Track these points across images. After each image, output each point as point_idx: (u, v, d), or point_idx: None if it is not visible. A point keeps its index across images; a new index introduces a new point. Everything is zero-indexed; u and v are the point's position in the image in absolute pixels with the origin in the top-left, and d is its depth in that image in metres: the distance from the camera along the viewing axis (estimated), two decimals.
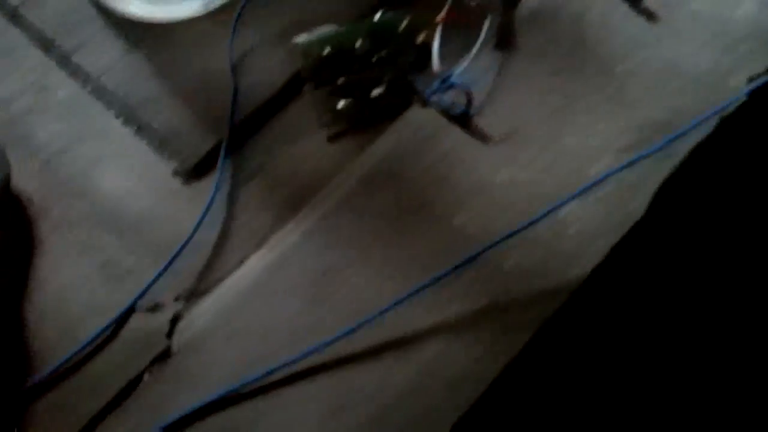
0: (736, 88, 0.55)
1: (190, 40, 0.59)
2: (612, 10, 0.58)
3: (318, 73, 0.56)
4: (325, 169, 0.55)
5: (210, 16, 0.59)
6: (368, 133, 0.56)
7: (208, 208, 0.53)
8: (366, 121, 0.56)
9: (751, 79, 0.55)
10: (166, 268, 0.52)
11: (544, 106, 0.55)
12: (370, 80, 0.56)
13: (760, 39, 0.56)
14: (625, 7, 0.58)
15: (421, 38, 0.57)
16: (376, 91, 0.56)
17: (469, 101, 0.54)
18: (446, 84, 0.54)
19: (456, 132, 0.55)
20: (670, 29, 0.57)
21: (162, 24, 0.59)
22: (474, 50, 0.55)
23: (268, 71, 0.58)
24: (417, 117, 0.56)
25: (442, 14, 0.56)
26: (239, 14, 0.58)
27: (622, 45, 0.57)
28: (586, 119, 0.54)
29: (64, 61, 0.59)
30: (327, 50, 0.56)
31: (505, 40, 0.57)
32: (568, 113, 0.55)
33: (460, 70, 0.55)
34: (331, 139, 0.56)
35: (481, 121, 0.55)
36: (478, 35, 0.56)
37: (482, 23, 0.56)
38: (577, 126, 0.54)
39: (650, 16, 0.58)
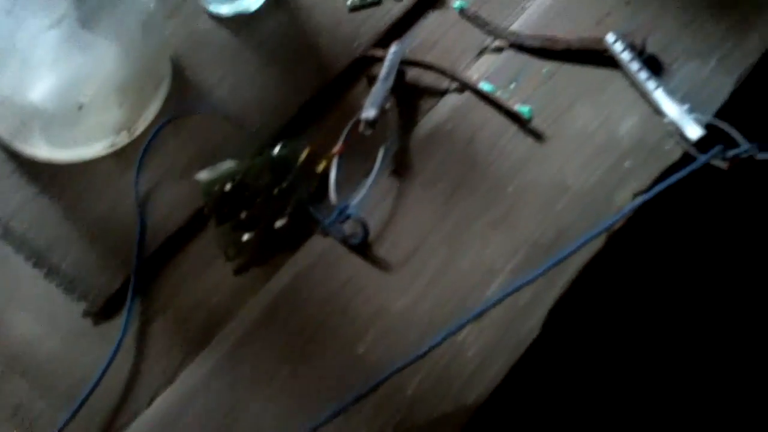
0: (622, 204, 0.57)
1: (96, 180, 0.61)
2: (502, 132, 0.61)
3: (221, 209, 0.58)
4: (232, 301, 0.57)
5: (115, 156, 0.61)
6: (272, 264, 0.58)
7: (116, 349, 0.55)
8: (270, 252, 0.58)
9: (636, 195, 0.58)
10: (75, 413, 0.53)
11: (439, 231, 0.58)
12: (272, 212, 0.58)
13: (643, 154, 0.60)
14: (514, 128, 0.61)
15: (320, 169, 0.59)
16: (278, 223, 0.58)
17: (366, 231, 0.56)
18: (344, 215, 0.56)
19: (356, 260, 0.57)
20: (557, 148, 0.60)
21: (69, 165, 0.60)
22: (370, 180, 0.57)
23: (173, 207, 0.60)
24: (318, 246, 0.58)
25: (338, 146, 0.58)
26: (143, 152, 0.60)
27: (512, 165, 0.60)
28: (480, 242, 0.57)
29: None
30: (228, 186, 0.58)
31: (401, 167, 0.60)
32: (462, 237, 0.58)
33: (357, 200, 0.57)
34: (237, 271, 0.58)
35: (380, 249, 0.57)
36: (374, 164, 0.58)
37: (377, 152, 0.58)
38: (471, 249, 0.57)
39: (538, 136, 0.61)
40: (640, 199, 0.57)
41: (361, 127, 0.58)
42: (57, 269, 0.58)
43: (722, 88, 0.62)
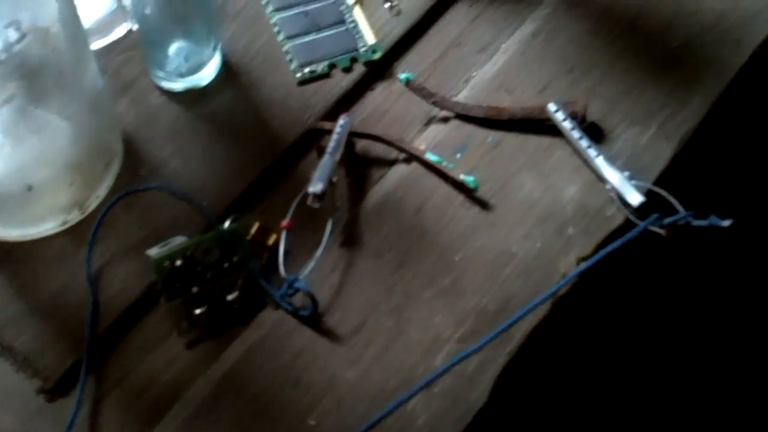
0: (567, 270, 0.60)
1: (49, 258, 0.62)
2: (449, 201, 0.63)
3: (172, 284, 0.59)
4: (185, 376, 0.58)
5: (67, 233, 0.62)
6: (225, 338, 0.59)
7: (69, 427, 0.56)
8: (222, 326, 0.59)
9: (580, 260, 0.60)
10: None
11: (388, 301, 0.59)
12: (223, 286, 0.60)
13: (586, 221, 0.62)
14: (461, 198, 0.63)
15: (270, 241, 0.61)
16: (230, 296, 0.59)
17: (315, 303, 0.58)
18: (293, 288, 0.58)
19: (307, 332, 0.59)
20: (503, 216, 0.62)
21: (21, 243, 0.62)
22: (318, 253, 0.59)
23: (124, 284, 0.61)
24: (269, 319, 0.59)
25: (286, 221, 0.60)
26: (95, 230, 0.62)
27: (460, 234, 0.62)
28: (428, 311, 0.59)
29: None
30: (179, 262, 0.59)
31: (349, 238, 0.62)
32: (410, 307, 0.60)
33: (306, 273, 0.58)
34: (189, 346, 0.59)
35: (330, 320, 0.59)
36: (323, 236, 0.60)
37: (326, 224, 0.60)
38: (419, 319, 0.58)
39: (484, 205, 0.63)
40: (583, 265, 0.59)
41: (309, 201, 0.60)
42: (10, 348, 0.59)
43: (662, 153, 0.64)
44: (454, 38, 0.72)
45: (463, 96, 0.68)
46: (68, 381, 0.58)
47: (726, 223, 0.55)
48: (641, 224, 0.57)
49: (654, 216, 0.57)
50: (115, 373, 0.58)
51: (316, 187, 0.60)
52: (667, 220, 0.57)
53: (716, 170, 1.01)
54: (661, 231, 0.58)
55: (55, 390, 0.58)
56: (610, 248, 0.57)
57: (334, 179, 0.61)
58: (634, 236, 0.57)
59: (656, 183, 0.63)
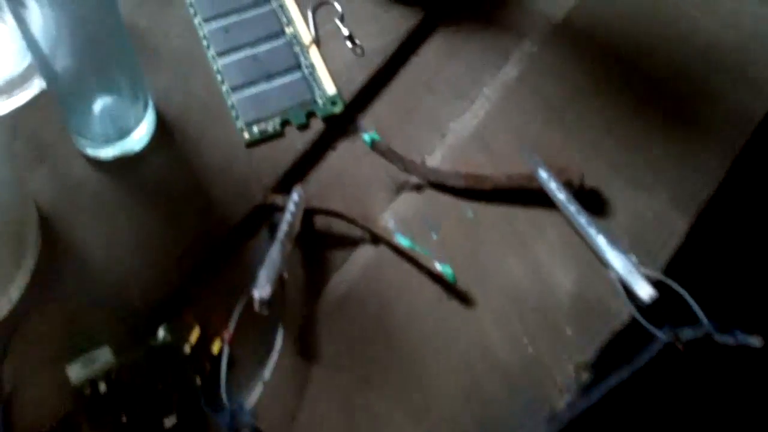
0: (565, 383, 0.51)
1: None
2: (422, 297, 0.54)
3: (96, 413, 0.50)
4: None
5: None
6: None
7: None
8: None
9: (580, 369, 0.50)
10: None
11: (349, 424, 0.50)
12: (158, 410, 0.50)
13: (585, 318, 0.53)
14: (437, 290, 0.53)
15: (214, 350, 0.51)
16: (167, 422, 0.50)
17: None
18: (236, 421, 0.48)
19: None
20: (486, 313, 0.54)
21: None
22: (267, 371, 0.49)
23: (41, 407, 0.52)
24: None
25: (228, 332, 0.50)
26: (7, 342, 0.52)
27: (435, 339, 0.53)
28: None
29: None
30: (103, 386, 0.50)
31: (305, 347, 0.52)
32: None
33: (252, 397, 0.49)
34: None
35: None
36: (272, 346, 0.50)
37: (277, 331, 0.50)
38: None
39: (464, 299, 0.53)
40: (585, 376, 0.49)
41: (256, 307, 0.50)
42: None
43: (674, 227, 0.55)
44: (428, 81, 0.61)
45: (439, 156, 0.58)
46: None
47: (756, 342, 0.45)
48: (654, 345, 0.48)
49: (669, 331, 0.48)
50: None
51: (262, 291, 0.50)
52: (685, 335, 0.47)
53: (739, 248, 0.89)
54: (678, 345, 0.48)
55: None
56: (611, 381, 0.47)
57: (285, 275, 0.51)
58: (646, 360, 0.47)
59: (669, 265, 0.54)
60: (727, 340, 0.47)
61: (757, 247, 0.95)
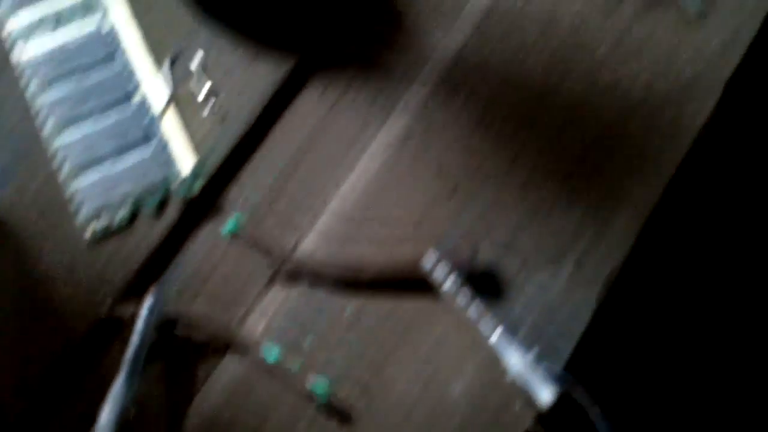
0: None
1: None
2: (296, 416, 0.48)
3: None
4: None
5: None
6: None
7: None
8: None
9: None
10: None
11: None
12: None
13: (484, 426, 0.46)
14: (312, 408, 0.47)
15: None
16: None
17: None
18: None
19: None
20: (372, 429, 0.47)
21: None
22: None
23: None
24: None
25: None
26: None
27: None
28: None
29: None
30: None
31: None
32: None
33: None
34: None
35: None
36: None
37: None
38: None
39: (344, 416, 0.47)
40: None
41: None
42: None
43: (579, 311, 0.49)
44: (302, 144, 0.54)
45: (313, 240, 0.52)
46: None
47: None
48: None
49: None
50: None
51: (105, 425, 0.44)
52: None
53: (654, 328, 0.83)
54: None
55: None
56: None
57: (132, 414, 0.45)
58: None
59: (573, 354, 0.49)
60: None
61: (673, 325, 0.90)
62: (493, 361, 0.49)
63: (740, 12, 0.56)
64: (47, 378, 0.50)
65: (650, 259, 0.54)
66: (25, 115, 0.56)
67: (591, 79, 0.55)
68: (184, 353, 0.50)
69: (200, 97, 0.56)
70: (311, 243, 0.53)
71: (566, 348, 0.49)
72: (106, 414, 0.46)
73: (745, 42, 0.56)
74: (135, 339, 0.49)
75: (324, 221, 0.53)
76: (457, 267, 0.50)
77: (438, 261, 0.50)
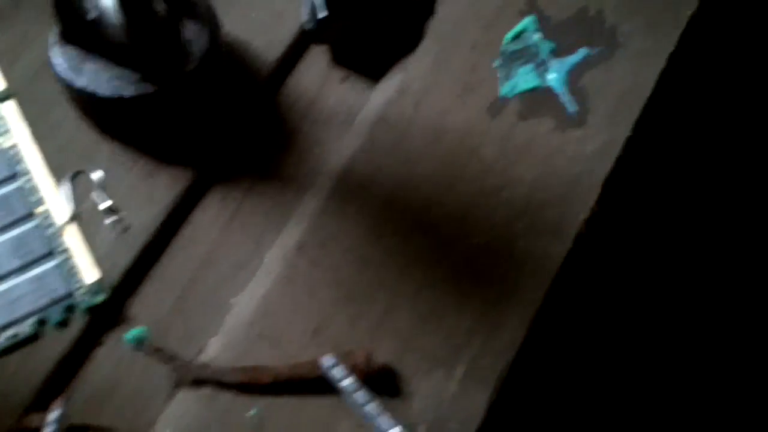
0: None
1: None
2: None
3: None
4: None
5: None
6: None
7: None
8: None
9: None
10: None
11: None
12: None
13: None
14: None
15: None
16: None
17: None
18: None
19: None
20: None
21: None
22: None
23: None
24: None
25: None
26: None
27: None
28: None
29: None
30: None
31: None
32: None
33: None
34: None
35: None
36: None
37: None
38: None
39: None
40: None
41: None
42: None
43: (474, 406, 0.52)
44: (203, 254, 0.57)
45: (217, 345, 0.54)
46: None
47: None
48: None
49: None
50: None
51: None
52: None
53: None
54: None
55: None
56: None
57: None
58: None
59: None
60: None
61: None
62: None
63: (614, 116, 0.61)
64: None
65: (541, 353, 0.57)
66: None
67: (479, 183, 0.59)
68: None
69: (100, 214, 0.58)
70: (213, 349, 0.55)
71: None
72: None
73: (619, 143, 0.60)
74: None
75: (225, 329, 0.56)
76: (353, 368, 0.52)
77: (335, 363, 0.52)
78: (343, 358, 0.53)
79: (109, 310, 0.56)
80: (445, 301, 0.55)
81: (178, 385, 0.54)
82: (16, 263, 0.57)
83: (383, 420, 0.51)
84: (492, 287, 0.56)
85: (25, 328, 0.56)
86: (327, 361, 0.53)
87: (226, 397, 0.54)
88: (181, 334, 0.55)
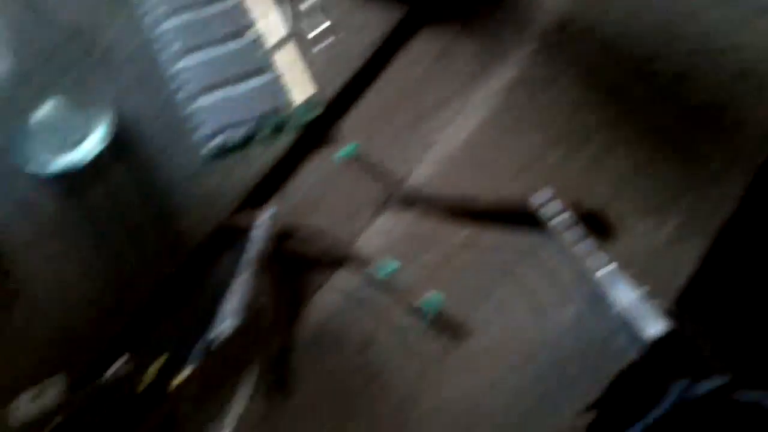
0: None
1: None
2: (404, 333, 0.50)
3: None
4: None
5: None
6: None
7: None
8: None
9: (581, 414, 0.46)
10: None
11: None
12: None
13: (588, 357, 0.50)
14: (421, 326, 0.49)
15: (173, 386, 0.47)
16: None
17: None
18: None
19: None
20: (476, 352, 0.51)
21: None
22: (234, 414, 0.46)
23: None
24: None
25: (190, 367, 0.46)
26: None
27: (418, 381, 0.49)
28: None
29: None
30: (53, 423, 0.46)
31: (274, 386, 0.48)
32: None
33: None
34: None
35: None
36: (239, 384, 0.46)
37: (244, 371, 0.47)
38: None
39: (451, 336, 0.49)
40: (588, 418, 0.45)
41: (218, 345, 0.46)
42: None
43: (687, 255, 0.51)
44: (414, 85, 0.57)
45: (423, 173, 0.55)
46: None
47: None
48: (666, 402, 0.44)
49: (682, 384, 0.44)
50: None
51: (229, 325, 0.46)
52: (701, 390, 0.43)
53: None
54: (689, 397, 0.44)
55: None
56: None
57: (257, 304, 0.47)
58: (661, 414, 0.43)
59: (680, 299, 0.51)
60: (751, 398, 0.44)
61: None
62: (600, 296, 0.51)
63: None
64: (166, 281, 0.52)
65: (759, 211, 0.55)
66: (145, 41, 0.59)
67: (702, 43, 0.57)
68: (297, 265, 0.52)
69: (316, 35, 0.59)
70: (420, 176, 0.55)
71: (672, 292, 0.51)
72: (232, 301, 0.48)
73: None
74: (254, 244, 0.51)
75: (432, 159, 0.55)
76: (567, 206, 0.52)
77: (549, 199, 0.52)
78: (558, 193, 0.52)
79: (319, 127, 0.57)
80: (663, 151, 0.54)
81: (388, 202, 0.54)
82: (230, 74, 0.58)
83: (597, 258, 0.50)
84: (712, 143, 0.55)
85: (237, 134, 0.56)
86: (540, 196, 0.52)
87: (434, 221, 0.54)
88: (386, 159, 0.55)
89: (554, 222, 0.51)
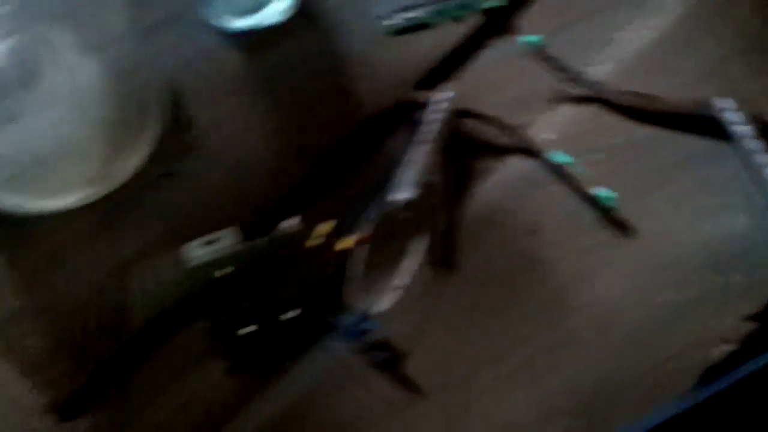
0: (728, 334, 0.49)
1: (65, 241, 0.52)
2: (574, 222, 0.52)
3: (214, 298, 0.49)
4: (223, 408, 0.50)
5: (88, 211, 0.52)
6: (276, 366, 0.50)
7: None
8: (273, 350, 0.51)
9: (746, 320, 0.48)
10: None
11: (484, 351, 0.48)
12: (278, 303, 0.49)
13: (756, 267, 0.49)
14: (591, 217, 0.51)
15: (340, 247, 0.50)
16: (285, 317, 0.49)
17: (389, 349, 0.47)
18: (363, 326, 0.47)
19: (378, 379, 0.48)
20: (643, 249, 0.52)
21: (32, 219, 0.52)
22: (400, 281, 0.48)
23: (156, 285, 0.51)
24: (333, 352, 0.49)
25: (364, 232, 0.49)
26: (122, 213, 0.51)
27: (583, 270, 0.51)
28: (531, 375, 0.48)
29: None
30: (223, 272, 0.49)
31: (442, 259, 0.50)
32: (511, 362, 0.50)
33: (382, 307, 0.48)
34: (231, 371, 0.49)
35: (410, 368, 0.48)
36: (404, 251, 0.48)
37: (412, 239, 0.49)
38: (521, 380, 0.48)
39: (621, 230, 0.50)
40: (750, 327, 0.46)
41: (395, 211, 0.48)
42: (14, 349, 0.50)
43: None
44: None
45: (603, 71, 0.54)
46: (81, 400, 0.48)
47: None
48: None
49: None
50: (139, 398, 0.50)
51: (403, 192, 0.48)
52: None
53: None
54: None
55: (68, 407, 0.50)
56: None
57: (432, 178, 0.49)
58: None
59: None
60: None
61: None
62: None
63: None
64: (341, 146, 0.54)
65: None
66: None
67: None
68: (469, 148, 0.54)
69: None
70: (600, 73, 0.55)
71: None
72: (408, 172, 0.50)
73: None
74: (431, 122, 0.52)
75: (614, 57, 0.56)
76: (750, 116, 0.52)
77: (734, 107, 0.52)
78: (742, 104, 0.52)
79: (502, 15, 0.57)
80: None
81: (565, 95, 0.55)
82: None
83: None
84: None
85: (420, 12, 0.57)
86: (724, 102, 0.52)
87: (611, 117, 0.55)
88: (570, 52, 0.56)
89: (735, 128, 0.51)
